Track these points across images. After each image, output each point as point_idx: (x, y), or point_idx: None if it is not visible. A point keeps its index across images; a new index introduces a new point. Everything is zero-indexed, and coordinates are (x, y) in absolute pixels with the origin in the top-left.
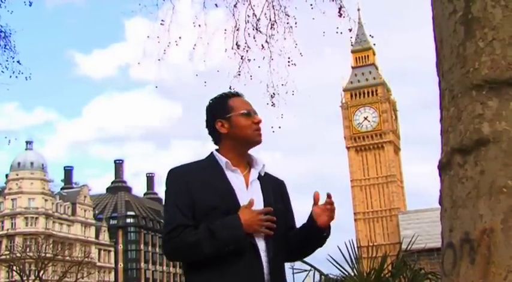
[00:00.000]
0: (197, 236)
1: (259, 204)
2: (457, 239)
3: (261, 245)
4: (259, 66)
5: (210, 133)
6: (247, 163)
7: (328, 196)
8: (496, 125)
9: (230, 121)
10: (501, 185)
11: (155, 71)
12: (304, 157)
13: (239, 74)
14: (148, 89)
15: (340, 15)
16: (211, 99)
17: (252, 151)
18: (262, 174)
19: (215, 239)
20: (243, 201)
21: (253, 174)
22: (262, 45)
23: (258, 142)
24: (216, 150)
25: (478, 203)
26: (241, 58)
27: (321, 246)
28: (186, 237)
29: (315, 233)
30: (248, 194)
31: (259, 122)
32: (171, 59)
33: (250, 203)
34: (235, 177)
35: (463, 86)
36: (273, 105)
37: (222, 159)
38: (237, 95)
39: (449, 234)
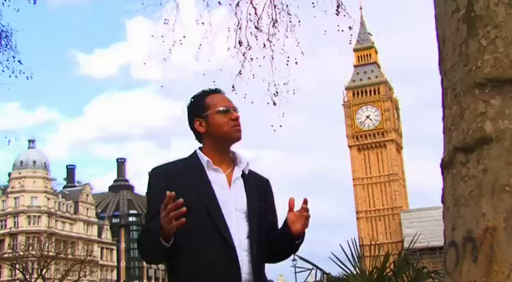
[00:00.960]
0: (142, 241)
1: (242, 203)
2: (459, 238)
3: (244, 244)
4: (260, 65)
5: (192, 132)
6: (231, 161)
7: (304, 202)
8: (498, 124)
9: (207, 119)
10: (504, 184)
11: (159, 70)
12: (305, 156)
13: (241, 73)
14: (150, 88)
15: (338, 14)
16: (191, 98)
17: (235, 148)
18: (246, 172)
19: (149, 244)
20: (225, 200)
21: (236, 172)
22: (264, 43)
23: (237, 138)
24: (200, 148)
25: (481, 201)
26: (244, 56)
27: (293, 253)
28: (140, 241)
29: (288, 240)
30: (230, 192)
31: (237, 118)
32: (174, 58)
33: (166, 200)
34: (216, 176)
35: (465, 85)
36: (274, 104)
37: (204, 158)
38: (215, 91)
39: (452, 232)
